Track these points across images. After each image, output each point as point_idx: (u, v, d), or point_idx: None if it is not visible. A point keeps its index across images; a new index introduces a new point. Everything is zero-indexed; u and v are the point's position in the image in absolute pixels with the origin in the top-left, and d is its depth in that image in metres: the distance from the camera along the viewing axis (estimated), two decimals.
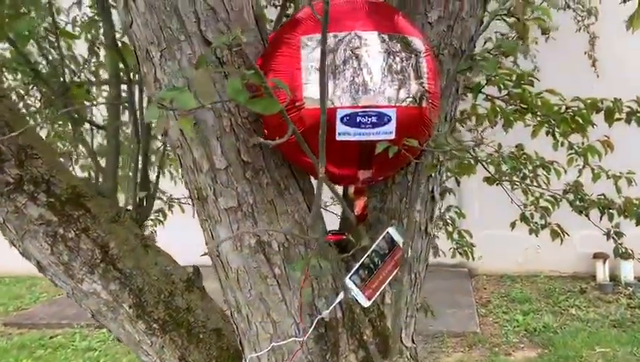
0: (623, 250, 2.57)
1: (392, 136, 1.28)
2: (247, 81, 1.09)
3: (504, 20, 1.50)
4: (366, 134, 1.26)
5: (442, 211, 3.37)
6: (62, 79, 1.83)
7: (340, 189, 1.48)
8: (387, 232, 1.42)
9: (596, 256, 6.42)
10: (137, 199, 1.85)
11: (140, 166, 1.86)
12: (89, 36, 1.94)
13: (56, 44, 1.77)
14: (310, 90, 1.25)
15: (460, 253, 3.46)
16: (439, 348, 5.14)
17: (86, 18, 2.03)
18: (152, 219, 3.36)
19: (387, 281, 1.39)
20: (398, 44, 1.31)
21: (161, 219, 3.15)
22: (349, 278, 1.36)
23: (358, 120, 1.25)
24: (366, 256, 1.39)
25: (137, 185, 1.85)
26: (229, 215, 1.41)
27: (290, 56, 1.28)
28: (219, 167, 1.37)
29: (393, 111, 1.27)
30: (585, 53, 5.93)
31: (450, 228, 3.40)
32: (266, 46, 1.38)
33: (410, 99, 1.30)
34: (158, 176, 2.10)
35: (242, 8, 1.35)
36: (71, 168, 2.50)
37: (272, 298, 1.46)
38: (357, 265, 1.38)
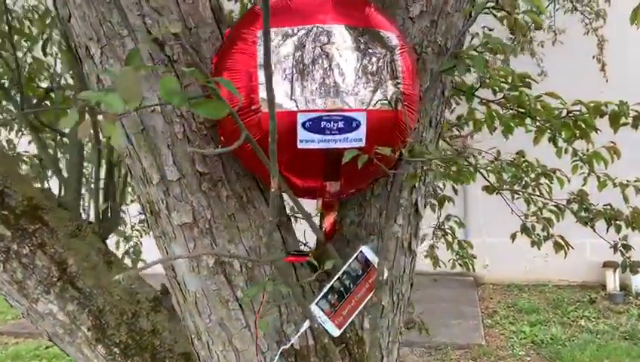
0: (632, 263, 2.39)
1: (362, 144, 1.12)
2: (186, 80, 0.95)
3: (493, 15, 1.34)
4: (332, 141, 1.11)
5: (441, 221, 3.22)
6: (18, 82, 1.70)
7: (312, 203, 1.33)
8: (360, 251, 1.26)
9: (606, 264, 6.21)
10: (100, 211, 1.71)
11: (103, 174, 1.71)
12: (44, 35, 1.81)
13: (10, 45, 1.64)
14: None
15: (461, 265, 3.30)
16: (442, 360, 4.97)
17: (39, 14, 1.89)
18: (137, 230, 3.24)
19: (360, 307, 1.24)
20: (370, 40, 1.16)
21: (147, 229, 3.01)
22: (316, 304, 1.20)
23: (322, 125, 1.10)
24: (336, 278, 1.23)
25: (98, 195, 1.70)
26: (183, 231, 1.26)
27: (246, 54, 1.13)
28: (171, 178, 1.22)
29: (363, 115, 1.11)
30: (593, 57, 5.74)
31: (449, 238, 3.24)
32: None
33: (382, 102, 1.14)
34: (124, 186, 1.96)
35: (196, 0, 1.21)
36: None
37: (234, 324, 1.30)
38: (325, 289, 1.22)
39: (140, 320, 1.69)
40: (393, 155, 1.13)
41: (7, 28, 1.60)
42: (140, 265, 3.12)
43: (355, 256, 1.25)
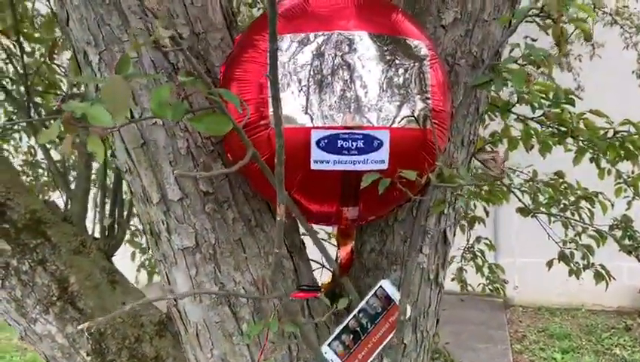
0: None
1: (384, 166, 0.99)
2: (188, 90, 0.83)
3: (536, 23, 1.20)
4: (350, 163, 0.98)
5: (471, 243, 3.05)
6: (26, 89, 1.62)
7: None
8: (380, 286, 1.12)
9: None
10: (105, 226, 1.61)
11: (110, 188, 1.61)
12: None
13: (17, 49, 1.57)
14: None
15: (491, 290, 3.13)
16: None
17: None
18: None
19: (379, 349, 1.09)
20: (397, 49, 1.03)
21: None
22: (328, 345, 1.07)
23: (339, 144, 0.97)
24: (351, 316, 1.09)
25: (104, 210, 1.60)
26: (185, 256, 1.14)
27: (257, 62, 1.01)
28: (172, 198, 1.11)
29: (385, 133, 0.98)
30: (633, 72, 5.50)
31: (479, 261, 3.07)
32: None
33: (409, 119, 1.01)
34: (131, 201, 1.86)
35: (206, 3, 1.10)
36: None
37: (238, 360, 1.18)
38: (339, 329, 1.08)
39: (143, 345, 1.57)
40: (419, 180, 0.99)
41: (16, 31, 1.53)
42: (156, 278, 3.03)
43: (373, 291, 1.11)
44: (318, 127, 0.97)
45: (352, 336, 1.08)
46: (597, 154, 2.08)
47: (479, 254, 3.02)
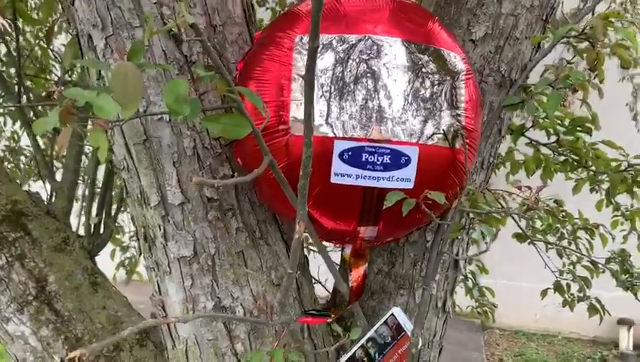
0: None
1: (410, 185, 0.91)
2: (202, 86, 0.75)
3: (572, 45, 1.14)
4: (374, 178, 0.90)
5: (463, 264, 2.98)
6: (18, 72, 1.50)
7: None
8: (392, 314, 1.03)
9: (621, 321, 5.93)
10: (91, 224, 1.50)
11: (99, 184, 1.50)
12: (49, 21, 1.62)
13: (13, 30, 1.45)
14: (302, 110, 0.89)
15: (479, 313, 3.06)
16: None
17: None
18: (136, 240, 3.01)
19: None
20: (430, 60, 0.95)
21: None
22: None
23: (364, 158, 0.89)
24: (359, 345, 1.00)
25: (91, 207, 1.49)
26: (181, 266, 1.05)
27: (279, 61, 0.93)
28: (172, 201, 1.01)
29: (414, 150, 0.90)
30: (626, 104, 5.53)
31: (469, 284, 3.00)
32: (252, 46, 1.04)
33: (439, 136, 0.93)
34: (121, 199, 1.75)
35: None
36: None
37: None
38: (344, 358, 0.99)
39: (122, 354, 1.46)
40: (447, 203, 0.91)
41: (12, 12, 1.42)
42: (134, 277, 2.90)
43: (384, 318, 1.03)
44: (341, 138, 0.89)
45: None
46: (598, 185, 2.04)
47: (470, 276, 2.95)
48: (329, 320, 0.98)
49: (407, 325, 1.03)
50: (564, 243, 2.35)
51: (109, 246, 2.73)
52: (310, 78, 0.67)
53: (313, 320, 0.99)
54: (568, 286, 2.28)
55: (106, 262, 2.50)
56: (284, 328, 0.96)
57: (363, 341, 1.01)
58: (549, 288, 2.31)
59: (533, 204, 0.86)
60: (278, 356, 0.86)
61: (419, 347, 0.99)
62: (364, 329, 1.02)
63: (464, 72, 0.97)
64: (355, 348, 1.00)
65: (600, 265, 2.23)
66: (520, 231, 2.42)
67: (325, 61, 0.94)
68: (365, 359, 1.00)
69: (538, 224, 2.52)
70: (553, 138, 1.71)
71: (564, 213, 2.40)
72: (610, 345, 6.08)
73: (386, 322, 1.03)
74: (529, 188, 0.86)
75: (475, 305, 2.91)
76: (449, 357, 5.35)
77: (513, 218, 2.43)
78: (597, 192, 2.11)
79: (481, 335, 6.21)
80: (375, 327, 1.02)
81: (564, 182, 2.10)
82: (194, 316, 0.75)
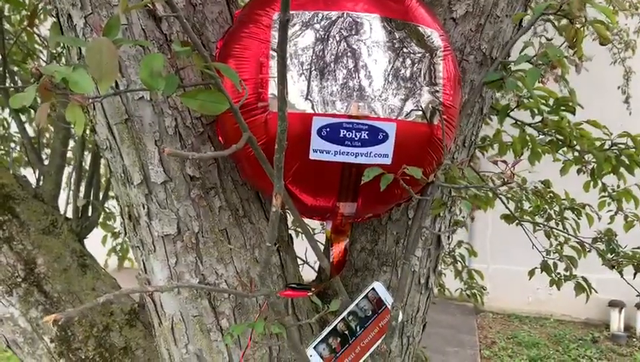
0: None
1: (388, 161, 0.92)
2: (181, 63, 0.75)
3: (551, 23, 1.15)
4: (352, 154, 0.91)
5: (452, 247, 3.01)
6: (2, 54, 1.50)
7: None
8: (372, 288, 1.05)
9: (612, 303, 6.00)
10: (79, 207, 1.51)
11: (86, 166, 1.51)
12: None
13: None
14: None
15: (468, 296, 3.09)
16: None
17: None
18: None
19: (366, 355, 1.03)
20: (408, 37, 0.96)
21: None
22: (314, 348, 1.00)
23: (342, 134, 0.90)
24: (340, 318, 1.02)
25: (79, 189, 1.50)
26: (165, 244, 1.06)
27: (258, 39, 0.94)
28: (155, 180, 1.02)
29: (392, 126, 0.91)
30: (618, 87, 5.55)
31: (459, 267, 3.03)
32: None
33: (417, 113, 0.94)
34: (109, 181, 1.76)
35: None
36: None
37: (214, 358, 1.10)
38: (326, 331, 1.01)
39: (112, 334, 1.48)
40: (425, 178, 0.92)
41: None
42: (126, 264, 2.92)
43: (365, 293, 1.05)
44: (320, 114, 0.90)
45: (339, 339, 1.01)
46: (585, 166, 2.05)
47: (459, 259, 2.98)
48: (309, 294, 0.99)
49: (388, 299, 1.05)
50: (552, 223, 2.38)
51: (101, 233, 2.74)
52: (282, 51, 0.68)
53: (294, 293, 1.01)
54: (555, 265, 2.30)
55: (98, 248, 2.52)
56: (266, 302, 0.98)
57: (344, 314, 1.03)
58: (536, 268, 2.34)
59: (509, 179, 0.87)
60: (259, 327, 0.88)
61: (399, 320, 1.01)
62: (345, 303, 1.03)
63: (442, 49, 0.98)
64: (336, 322, 1.02)
65: (587, 245, 2.26)
66: (508, 213, 2.44)
67: (306, 39, 0.95)
68: (347, 332, 1.02)
69: (527, 206, 2.54)
70: (538, 118, 1.73)
71: (551, 194, 2.42)
72: (602, 326, 6.16)
73: (366, 296, 1.05)
74: (505, 162, 0.87)
75: (464, 288, 2.94)
76: (442, 341, 5.42)
77: (501, 199, 2.46)
78: (584, 173, 2.12)
79: (474, 318, 6.28)
80: (356, 301, 1.04)
81: (552, 164, 2.12)
82: (171, 286, 0.76)
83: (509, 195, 2.53)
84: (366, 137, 0.91)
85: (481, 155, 2.44)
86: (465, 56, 1.20)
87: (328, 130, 0.90)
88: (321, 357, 0.99)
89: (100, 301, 0.66)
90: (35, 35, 1.92)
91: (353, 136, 0.90)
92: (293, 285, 1.04)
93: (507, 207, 2.37)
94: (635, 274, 2.21)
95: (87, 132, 1.54)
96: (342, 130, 0.90)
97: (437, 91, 0.97)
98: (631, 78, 5.56)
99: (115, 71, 0.65)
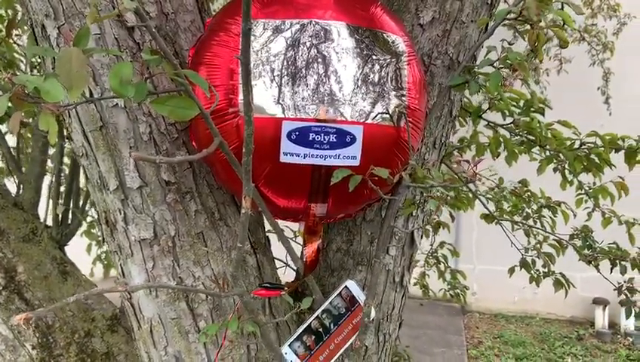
0: (637, 310, 2.23)
1: (356, 163, 0.96)
2: (149, 70, 0.78)
3: (514, 28, 1.19)
4: (321, 157, 0.94)
5: (435, 248, 3.05)
6: None
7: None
8: (345, 286, 1.08)
9: (596, 301, 6.09)
10: (59, 215, 1.52)
11: (65, 173, 1.52)
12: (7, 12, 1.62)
13: None
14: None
15: (452, 295, 3.13)
16: None
17: None
18: None
19: (341, 351, 1.06)
20: (373, 43, 1.00)
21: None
22: (289, 346, 1.03)
23: (311, 137, 0.94)
24: (314, 316, 1.05)
25: (58, 196, 1.51)
26: (142, 248, 1.08)
27: (228, 47, 0.97)
28: (130, 185, 1.05)
29: (359, 129, 0.95)
30: (598, 88, 5.64)
31: (442, 267, 3.07)
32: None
33: (383, 116, 0.98)
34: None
35: None
36: None
37: (193, 359, 1.12)
38: (300, 329, 1.04)
39: (94, 340, 1.50)
40: (391, 178, 0.96)
41: None
42: (112, 273, 2.92)
43: (338, 291, 1.08)
44: (289, 119, 0.93)
45: (313, 337, 1.04)
46: (561, 164, 2.10)
47: (442, 260, 3.02)
48: (282, 293, 1.02)
49: (361, 296, 1.08)
50: (530, 222, 2.43)
51: (85, 241, 2.75)
52: (246, 58, 0.71)
53: (267, 292, 1.04)
54: (534, 262, 2.35)
55: (83, 256, 2.52)
56: (241, 301, 1.00)
57: (318, 312, 1.05)
58: (516, 265, 2.39)
59: (471, 177, 0.91)
60: (232, 325, 0.91)
61: (371, 316, 1.04)
62: (319, 301, 1.06)
63: (406, 54, 1.02)
64: (310, 319, 1.05)
65: (564, 241, 2.31)
66: (487, 213, 2.49)
67: (277, 45, 0.98)
68: (321, 329, 1.05)
69: (505, 206, 2.59)
70: (509, 119, 1.77)
71: (529, 193, 2.47)
72: (587, 324, 6.24)
73: (340, 294, 1.08)
74: (467, 161, 0.91)
75: (447, 288, 2.98)
76: (429, 341, 5.46)
77: (480, 200, 2.50)
78: (560, 172, 2.17)
79: (461, 319, 6.33)
80: (330, 299, 1.07)
81: (529, 164, 2.17)
82: (146, 285, 0.78)
83: (489, 196, 2.58)
84: (334, 140, 0.94)
85: (461, 156, 2.48)
86: (433, 61, 1.24)
87: (298, 133, 0.93)
88: (296, 355, 1.02)
89: (70, 300, 0.68)
90: (15, 45, 1.93)
91: (322, 140, 0.94)
92: (266, 284, 1.06)
93: (486, 207, 2.41)
94: (611, 269, 2.25)
95: (65, 139, 1.56)
96: (311, 134, 0.93)
97: (403, 95, 1.00)
98: (610, 78, 5.65)
99: (85, 79, 0.67)
